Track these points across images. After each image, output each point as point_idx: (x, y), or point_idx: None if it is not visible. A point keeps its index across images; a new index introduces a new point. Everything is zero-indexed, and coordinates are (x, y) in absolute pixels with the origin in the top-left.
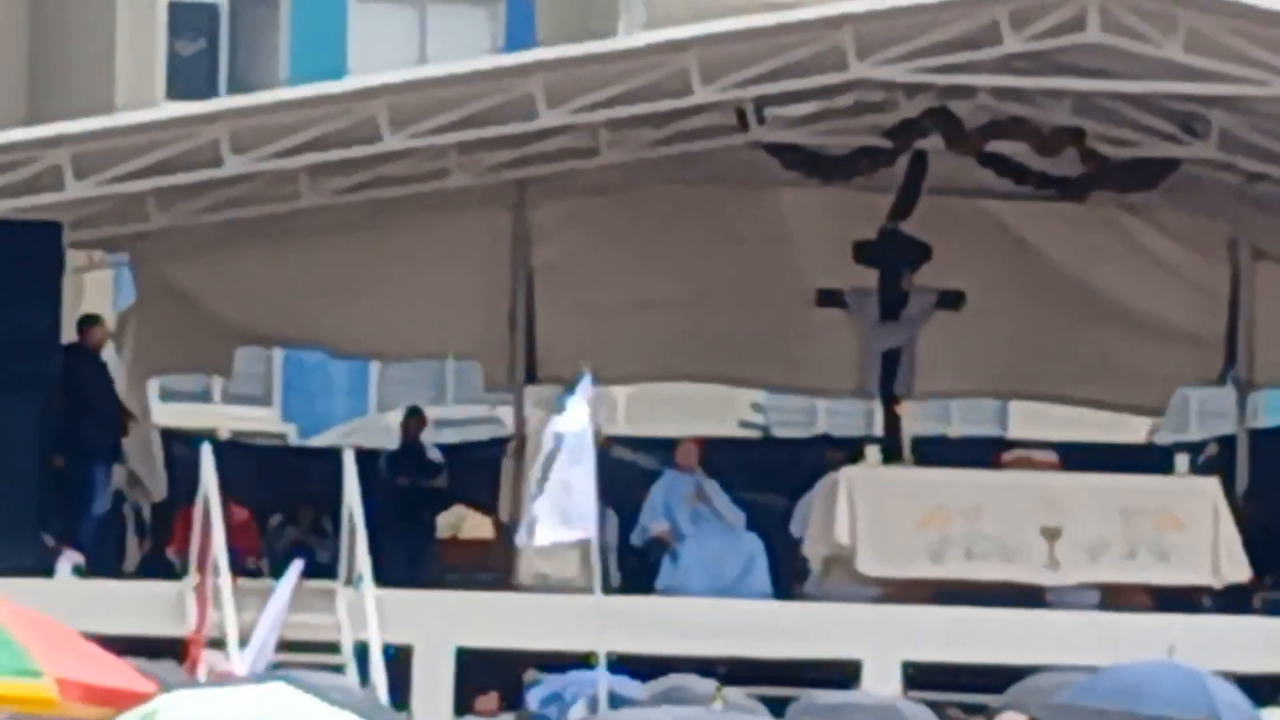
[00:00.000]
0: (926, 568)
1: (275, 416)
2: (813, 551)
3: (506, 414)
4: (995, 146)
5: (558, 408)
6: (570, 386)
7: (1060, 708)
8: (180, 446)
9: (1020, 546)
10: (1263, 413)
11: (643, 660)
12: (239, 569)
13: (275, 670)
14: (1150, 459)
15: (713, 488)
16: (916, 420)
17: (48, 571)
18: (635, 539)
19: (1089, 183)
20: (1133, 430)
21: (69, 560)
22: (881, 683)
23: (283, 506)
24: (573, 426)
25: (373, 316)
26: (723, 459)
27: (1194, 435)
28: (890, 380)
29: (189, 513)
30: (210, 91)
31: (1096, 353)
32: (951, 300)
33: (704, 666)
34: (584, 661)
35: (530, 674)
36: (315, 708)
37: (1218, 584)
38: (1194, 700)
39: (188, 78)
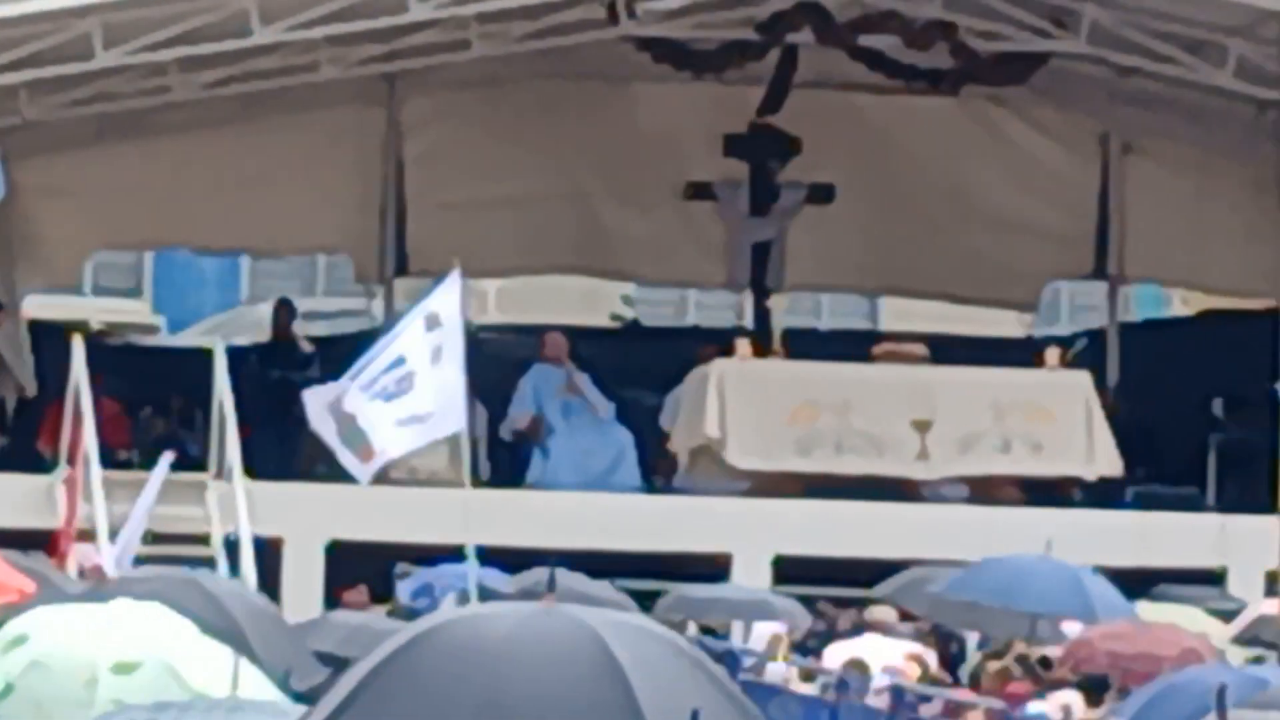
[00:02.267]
0: (795, 461)
1: (146, 309)
2: (680, 443)
3: (377, 307)
4: (866, 40)
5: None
6: (439, 279)
7: (936, 600)
8: (51, 338)
9: (891, 440)
10: (1134, 307)
11: (512, 553)
12: (109, 461)
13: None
14: (1022, 352)
15: (583, 379)
16: (787, 314)
17: None
18: (504, 432)
19: (960, 77)
20: (1004, 324)
21: None
22: (751, 576)
23: (153, 399)
24: (444, 314)
25: (244, 211)
26: (593, 351)
27: (1065, 329)
28: (761, 273)
29: (60, 405)
30: None
31: (967, 247)
32: (821, 194)
33: (574, 560)
34: (454, 555)
35: (401, 567)
36: (184, 632)
37: (1090, 476)
38: (1070, 596)
39: None
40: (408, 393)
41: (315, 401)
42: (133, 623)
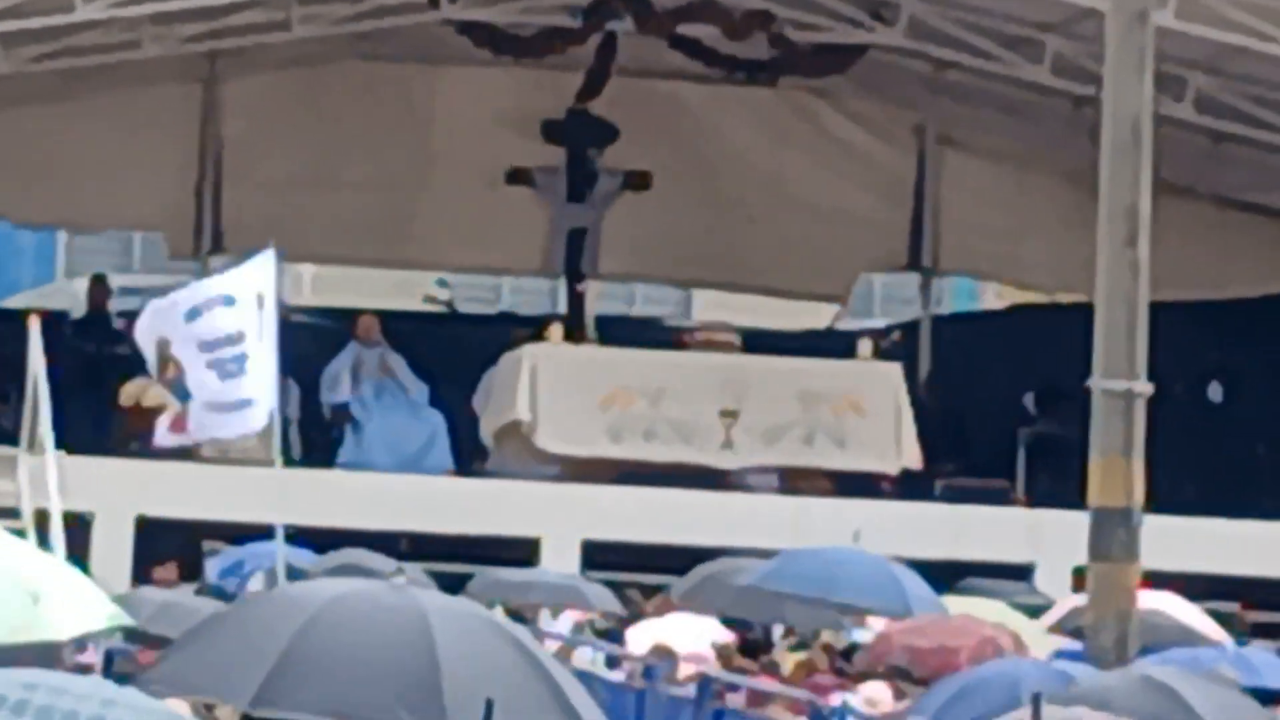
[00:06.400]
0: (606, 446)
1: None
2: (489, 426)
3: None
4: (686, 29)
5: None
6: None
7: (748, 591)
8: None
9: (698, 428)
10: (947, 299)
11: (323, 533)
12: None
13: None
14: (834, 344)
15: (397, 361)
16: (601, 300)
17: None
18: (325, 402)
19: (777, 68)
20: (818, 316)
21: None
22: (560, 561)
23: None
24: (265, 293)
25: (63, 185)
26: (407, 335)
27: (878, 321)
28: (576, 260)
29: None
30: None
31: (782, 238)
32: (638, 182)
33: (384, 541)
34: (264, 533)
35: (210, 545)
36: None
37: (892, 470)
38: (886, 590)
39: None
40: (239, 376)
41: (147, 327)
42: None
